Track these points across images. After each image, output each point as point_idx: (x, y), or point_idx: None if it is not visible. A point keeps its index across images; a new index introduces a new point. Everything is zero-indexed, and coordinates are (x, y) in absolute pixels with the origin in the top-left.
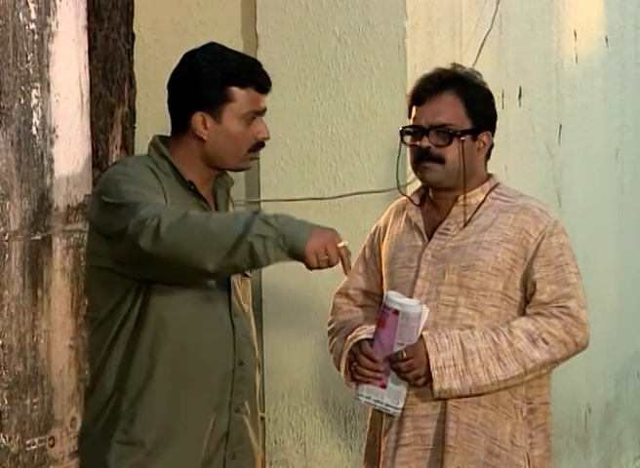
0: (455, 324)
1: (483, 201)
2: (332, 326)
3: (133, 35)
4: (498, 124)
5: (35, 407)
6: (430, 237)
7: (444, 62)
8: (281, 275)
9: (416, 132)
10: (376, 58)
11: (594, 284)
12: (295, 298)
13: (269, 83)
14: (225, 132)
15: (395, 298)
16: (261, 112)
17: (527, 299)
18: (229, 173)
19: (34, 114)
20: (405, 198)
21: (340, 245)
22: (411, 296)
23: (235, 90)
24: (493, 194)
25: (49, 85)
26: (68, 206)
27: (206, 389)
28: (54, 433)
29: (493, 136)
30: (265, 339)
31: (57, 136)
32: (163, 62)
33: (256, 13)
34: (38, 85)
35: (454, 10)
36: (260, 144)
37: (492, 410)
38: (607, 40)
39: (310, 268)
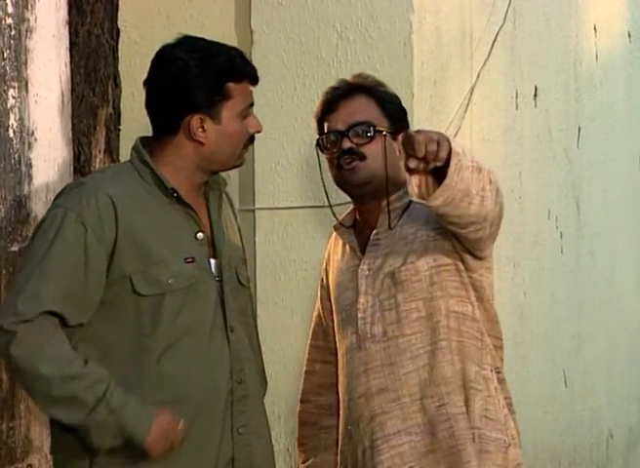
0: (402, 324)
1: (409, 204)
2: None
3: (117, 30)
4: (511, 126)
5: (11, 432)
6: (364, 253)
7: (453, 59)
8: (277, 292)
9: (334, 138)
10: (380, 54)
11: (616, 300)
12: (293, 315)
13: (257, 73)
14: (225, 132)
15: None
16: (252, 105)
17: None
18: (223, 172)
19: (11, 115)
20: (342, 218)
21: (180, 427)
22: (356, 316)
23: (232, 86)
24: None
25: (27, 84)
26: None
27: (203, 412)
28: (32, 460)
29: None
30: None
31: (35, 139)
32: (150, 60)
33: (250, 6)
34: (15, 84)
35: (464, 3)
36: (253, 138)
37: (464, 393)
38: (630, 35)
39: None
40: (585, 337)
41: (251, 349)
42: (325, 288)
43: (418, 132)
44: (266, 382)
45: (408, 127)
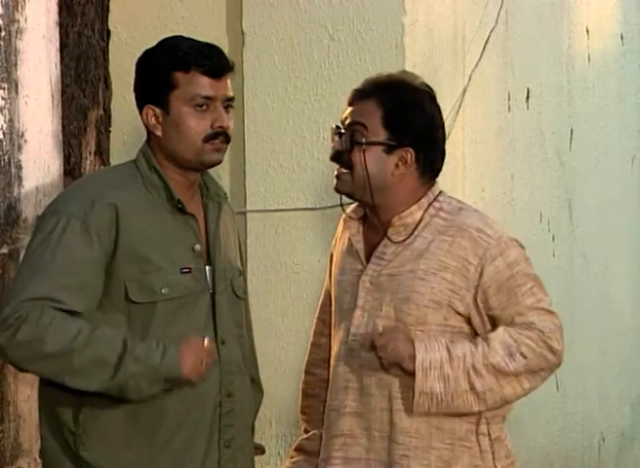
0: None
1: (421, 219)
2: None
3: (108, 32)
4: (503, 128)
5: (1, 435)
6: (369, 259)
7: (445, 61)
8: (269, 294)
9: (334, 132)
10: (372, 57)
11: (609, 302)
12: (284, 318)
13: (223, 68)
14: (174, 121)
15: None
16: (215, 98)
17: (475, 329)
18: (211, 175)
19: (1, 117)
20: (352, 208)
21: (206, 344)
22: (349, 327)
23: (178, 75)
24: (431, 210)
25: (17, 85)
26: (38, 217)
27: (190, 423)
28: (21, 463)
29: (426, 152)
30: None
31: (25, 140)
32: None
33: (242, 8)
34: (5, 85)
35: (456, 5)
36: (218, 134)
37: (446, 450)
38: (622, 38)
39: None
40: (577, 341)
41: (243, 362)
42: (332, 265)
43: (381, 335)
44: (262, 392)
45: (424, 142)
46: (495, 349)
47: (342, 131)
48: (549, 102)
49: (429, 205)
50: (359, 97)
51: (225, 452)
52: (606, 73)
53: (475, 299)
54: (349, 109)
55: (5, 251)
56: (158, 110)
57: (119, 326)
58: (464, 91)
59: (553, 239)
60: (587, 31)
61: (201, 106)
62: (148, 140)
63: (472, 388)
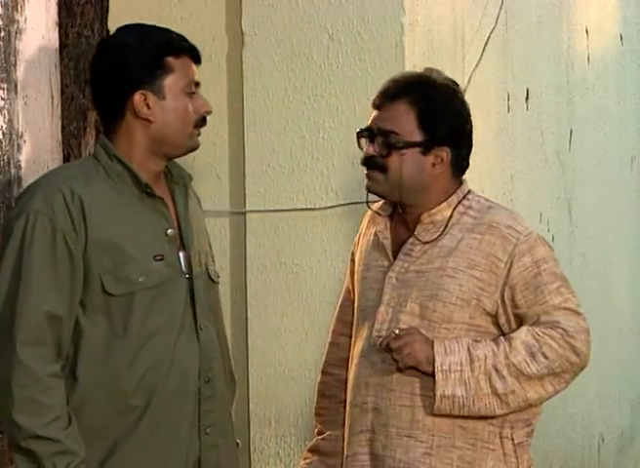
0: None
1: (450, 217)
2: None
3: (108, 32)
4: (503, 129)
5: (1, 436)
6: (396, 256)
7: (445, 62)
8: (268, 295)
9: (367, 136)
10: (371, 57)
11: (609, 303)
12: (283, 318)
13: (199, 51)
14: (171, 106)
15: None
16: (198, 84)
17: (501, 328)
18: (183, 158)
19: (0, 117)
20: (378, 205)
21: None
22: (373, 323)
23: (171, 60)
24: (460, 208)
25: (16, 86)
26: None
27: (172, 411)
28: None
29: (459, 149)
30: (251, 362)
31: (24, 141)
32: None
33: (241, 8)
34: (4, 86)
35: (455, 5)
36: (204, 120)
37: (469, 450)
38: (622, 38)
39: None
40: None
41: (219, 347)
42: (353, 263)
43: (397, 337)
44: (235, 381)
45: (458, 139)
46: (516, 349)
47: (374, 135)
48: (549, 103)
49: (459, 203)
50: (388, 99)
51: (207, 439)
52: (605, 73)
53: (502, 296)
54: (378, 113)
55: None
56: (151, 95)
57: (100, 321)
58: (464, 91)
59: (553, 239)
60: (587, 32)
61: (192, 92)
62: (109, 130)
63: (494, 391)
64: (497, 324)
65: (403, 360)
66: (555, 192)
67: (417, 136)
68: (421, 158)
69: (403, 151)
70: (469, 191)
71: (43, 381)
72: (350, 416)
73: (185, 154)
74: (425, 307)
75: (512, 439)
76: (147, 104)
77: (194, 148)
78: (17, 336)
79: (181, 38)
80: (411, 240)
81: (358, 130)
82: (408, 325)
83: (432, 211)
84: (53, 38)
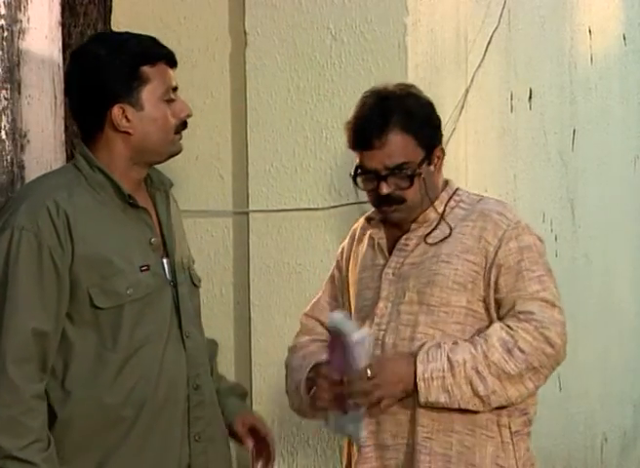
0: (414, 344)
1: (443, 212)
2: (294, 344)
3: (111, 31)
4: (505, 129)
5: None
6: (391, 254)
7: (447, 62)
8: (271, 295)
9: (371, 178)
10: (374, 57)
11: (611, 303)
12: (286, 318)
13: (174, 55)
14: (150, 117)
15: (336, 321)
16: (176, 88)
17: (489, 312)
18: (166, 163)
19: (3, 117)
20: (367, 214)
21: None
22: (372, 319)
23: (147, 69)
24: (451, 202)
25: (19, 86)
26: None
27: (163, 420)
28: None
29: (441, 141)
30: (254, 362)
31: (28, 141)
32: None
33: (244, 8)
34: (8, 86)
35: (458, 5)
36: (184, 124)
37: (468, 435)
38: (625, 38)
39: None
40: (580, 341)
41: (205, 352)
42: (345, 277)
43: (376, 375)
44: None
45: (441, 134)
46: (494, 346)
47: (384, 175)
48: (552, 103)
49: (449, 199)
50: (376, 137)
51: (196, 446)
52: (608, 74)
53: (489, 280)
54: (375, 152)
55: None
56: (129, 108)
57: (89, 335)
58: (467, 91)
59: (556, 239)
60: (590, 32)
61: (170, 98)
62: (88, 141)
63: (476, 393)
64: (488, 310)
65: (386, 394)
66: (558, 192)
67: (421, 154)
68: (430, 168)
69: (420, 173)
70: (458, 188)
71: (27, 402)
72: None
73: (167, 160)
74: (423, 293)
75: (509, 427)
76: (126, 117)
77: (176, 153)
78: (4, 354)
79: (156, 44)
80: (405, 236)
81: (356, 172)
82: (408, 314)
83: (427, 210)
84: (56, 38)
